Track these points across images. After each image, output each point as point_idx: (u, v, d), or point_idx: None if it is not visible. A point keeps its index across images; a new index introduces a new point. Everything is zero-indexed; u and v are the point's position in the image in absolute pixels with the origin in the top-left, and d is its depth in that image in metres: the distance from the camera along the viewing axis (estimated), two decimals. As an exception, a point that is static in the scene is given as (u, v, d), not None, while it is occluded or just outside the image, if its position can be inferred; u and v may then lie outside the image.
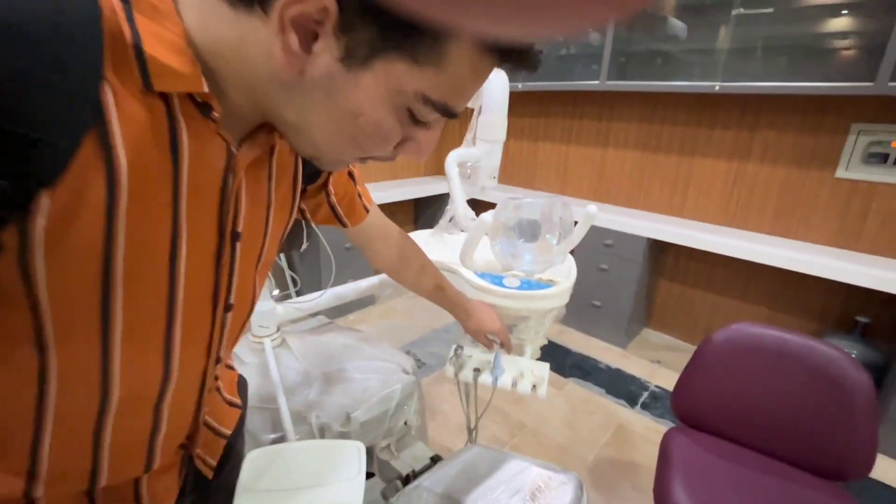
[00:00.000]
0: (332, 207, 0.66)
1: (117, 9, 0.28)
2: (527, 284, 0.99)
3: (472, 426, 1.20)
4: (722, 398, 1.17)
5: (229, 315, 0.45)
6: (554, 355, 2.34)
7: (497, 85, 0.73)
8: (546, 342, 1.25)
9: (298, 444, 0.81)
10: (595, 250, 2.42)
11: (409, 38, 0.31)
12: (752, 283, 2.26)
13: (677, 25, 2.12)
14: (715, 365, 1.17)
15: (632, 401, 2.00)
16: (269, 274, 1.14)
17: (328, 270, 2.25)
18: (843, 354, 1.06)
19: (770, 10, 1.86)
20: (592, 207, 0.68)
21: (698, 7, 2.10)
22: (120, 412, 0.38)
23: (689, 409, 1.21)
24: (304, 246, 1.26)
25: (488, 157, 0.77)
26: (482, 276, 1.00)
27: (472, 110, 0.77)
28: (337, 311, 2.58)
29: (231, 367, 0.68)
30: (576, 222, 0.69)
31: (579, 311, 2.57)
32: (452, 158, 0.75)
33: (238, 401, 0.65)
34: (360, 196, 0.71)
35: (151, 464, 0.45)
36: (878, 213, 1.87)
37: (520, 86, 2.68)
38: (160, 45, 0.29)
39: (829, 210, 1.98)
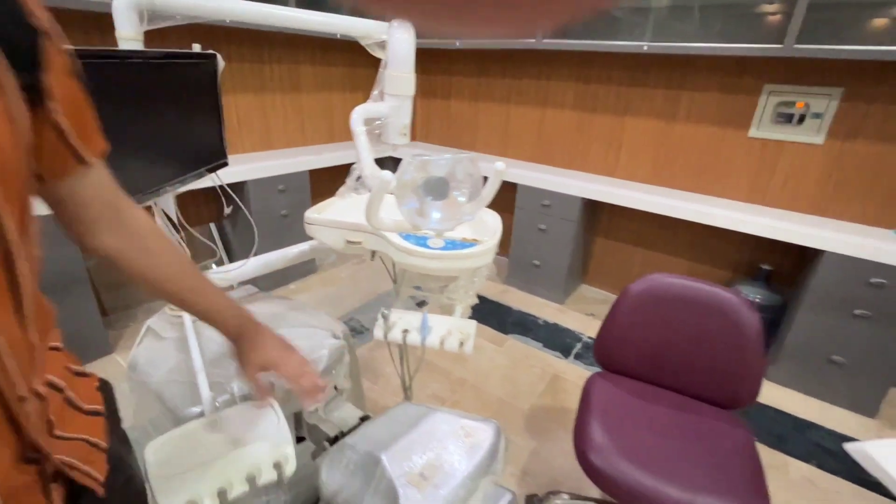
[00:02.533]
0: (57, 128, 0.42)
1: None
2: (451, 245, 1.00)
3: (407, 385, 1.23)
4: (637, 343, 1.26)
5: None
6: (496, 314, 2.42)
7: (402, 38, 0.69)
8: (476, 301, 1.29)
9: (205, 420, 0.79)
10: (534, 211, 2.48)
11: None
12: (677, 237, 2.42)
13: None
14: (631, 313, 1.26)
15: (566, 352, 2.12)
16: (182, 242, 1.07)
17: (263, 238, 2.16)
18: (739, 298, 1.16)
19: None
20: (500, 164, 0.69)
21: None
22: None
23: (609, 355, 1.30)
24: (228, 211, 1.20)
25: (397, 113, 0.74)
26: (407, 237, 1.00)
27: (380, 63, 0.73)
28: (275, 282, 2.50)
29: (83, 374, 0.54)
30: (486, 178, 0.69)
31: (520, 270, 2.65)
32: (358, 114, 0.72)
33: (99, 407, 0.54)
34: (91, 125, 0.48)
35: None
36: (783, 170, 2.04)
37: (457, 43, 2.61)
38: None
39: (743, 167, 2.13)
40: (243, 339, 0.65)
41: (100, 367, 1.83)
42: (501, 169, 0.69)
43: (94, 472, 0.47)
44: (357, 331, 2.19)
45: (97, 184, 0.50)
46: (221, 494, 0.66)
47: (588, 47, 2.20)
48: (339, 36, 2.45)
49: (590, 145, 2.56)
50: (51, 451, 0.41)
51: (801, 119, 1.95)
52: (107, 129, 0.65)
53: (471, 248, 0.98)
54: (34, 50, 0.38)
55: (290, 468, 0.71)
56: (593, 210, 2.53)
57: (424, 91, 3.15)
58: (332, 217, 1.03)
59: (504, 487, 0.76)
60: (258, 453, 0.71)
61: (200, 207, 2.42)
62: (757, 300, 2.07)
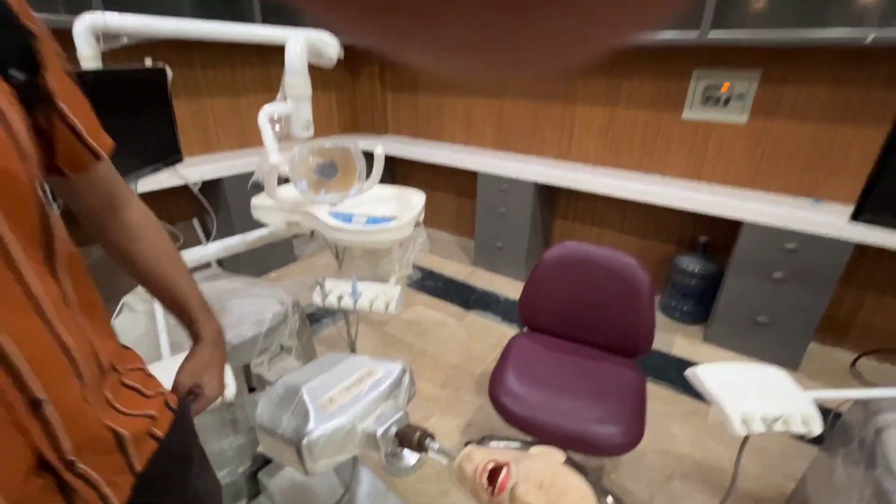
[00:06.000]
0: (73, 129, 0.45)
1: None
2: (372, 220, 1.17)
3: (352, 344, 1.41)
4: (553, 303, 1.44)
5: None
6: (461, 293, 2.60)
7: (294, 51, 0.86)
8: (411, 272, 1.47)
9: (154, 364, 0.97)
10: (494, 196, 2.65)
11: None
12: (627, 215, 2.59)
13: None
14: (548, 277, 1.44)
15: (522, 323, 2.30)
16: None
17: (241, 230, 2.34)
18: (632, 260, 1.34)
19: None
20: (380, 148, 0.85)
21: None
22: None
23: (530, 314, 1.48)
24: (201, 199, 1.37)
25: (297, 112, 0.92)
26: (335, 216, 1.18)
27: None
28: (257, 269, 2.69)
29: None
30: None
31: (485, 252, 2.83)
32: (264, 113, 0.89)
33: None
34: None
35: None
36: (714, 148, 2.20)
37: (418, 40, 2.76)
38: None
39: (680, 147, 2.29)
40: (196, 346, 0.66)
41: (94, 350, 2.03)
42: (380, 153, 0.86)
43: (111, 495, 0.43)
44: (331, 312, 2.38)
45: (107, 175, 0.54)
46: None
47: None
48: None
49: (544, 131, 2.72)
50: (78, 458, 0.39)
51: (727, 101, 2.10)
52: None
53: (389, 223, 1.16)
54: (31, 52, 0.38)
55: (230, 392, 0.89)
56: (551, 193, 2.70)
57: (394, 86, 3.31)
58: (271, 203, 1.21)
59: (401, 409, 0.95)
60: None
61: (183, 205, 2.61)
62: (696, 270, 2.25)
